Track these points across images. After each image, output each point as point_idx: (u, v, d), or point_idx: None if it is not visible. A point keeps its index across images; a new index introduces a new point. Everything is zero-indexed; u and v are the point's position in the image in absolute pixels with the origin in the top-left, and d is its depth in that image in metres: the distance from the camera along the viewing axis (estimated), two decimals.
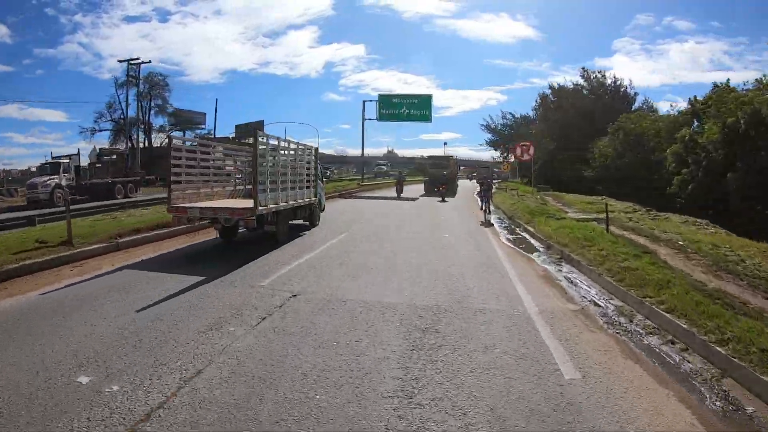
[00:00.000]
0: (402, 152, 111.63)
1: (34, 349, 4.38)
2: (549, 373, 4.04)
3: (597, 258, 8.35)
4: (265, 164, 10.42)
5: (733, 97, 22.01)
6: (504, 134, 68.65)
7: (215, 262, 8.46)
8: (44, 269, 7.78)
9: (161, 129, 55.81)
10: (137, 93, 47.32)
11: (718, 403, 3.71)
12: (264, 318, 5.40)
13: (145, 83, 52.56)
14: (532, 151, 24.61)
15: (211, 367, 4.05)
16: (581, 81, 45.48)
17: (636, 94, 44.19)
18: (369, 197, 28.00)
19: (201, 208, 10.05)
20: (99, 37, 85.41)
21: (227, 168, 13.49)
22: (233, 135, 59.85)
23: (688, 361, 4.48)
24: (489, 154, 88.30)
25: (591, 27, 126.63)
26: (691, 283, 6.92)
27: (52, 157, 32.86)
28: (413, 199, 26.57)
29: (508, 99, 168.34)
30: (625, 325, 5.63)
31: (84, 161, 33.47)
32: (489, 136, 70.05)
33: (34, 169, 34.63)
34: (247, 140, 54.65)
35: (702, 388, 3.94)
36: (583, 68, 45.94)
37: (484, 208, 16.33)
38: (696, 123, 25.51)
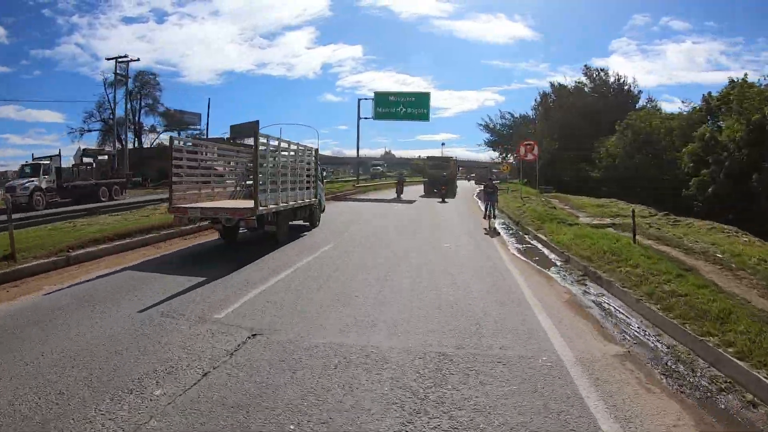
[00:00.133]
0: (399, 153, 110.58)
1: None
2: None
3: (631, 277, 6.92)
4: (265, 165, 10.40)
5: (756, 92, 20.52)
6: (503, 134, 67.42)
7: (178, 280, 7.03)
8: None
9: (152, 129, 54.20)
10: (126, 92, 45.78)
11: None
12: (205, 374, 3.95)
13: (135, 82, 51.22)
14: (536, 150, 23.15)
15: None
16: (584, 79, 44.13)
17: (640, 92, 42.95)
18: (364, 200, 26.47)
19: (202, 208, 10.10)
20: (96, 38, 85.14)
21: (228, 169, 13.43)
22: (226, 135, 58.62)
23: None
24: (487, 155, 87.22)
25: (588, 27, 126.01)
26: (753, 313, 5.52)
27: (33, 159, 31.49)
28: (411, 202, 25.17)
29: (505, 100, 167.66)
30: (687, 376, 4.21)
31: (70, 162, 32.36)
32: (487, 136, 68.84)
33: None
34: (242, 141, 53.71)
35: None
36: (585, 66, 44.82)
37: (488, 213, 14.53)
38: (709, 121, 24.01)
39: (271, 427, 3.16)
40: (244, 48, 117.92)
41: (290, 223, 11.95)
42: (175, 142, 11.25)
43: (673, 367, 4.44)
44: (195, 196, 11.03)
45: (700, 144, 22.10)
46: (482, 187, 46.82)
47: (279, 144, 11.50)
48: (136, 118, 52.48)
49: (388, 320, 5.34)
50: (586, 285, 7.37)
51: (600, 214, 15.85)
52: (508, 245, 10.97)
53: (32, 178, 25.87)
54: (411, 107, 39.27)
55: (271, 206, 10.28)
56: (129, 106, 50.82)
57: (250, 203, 9.86)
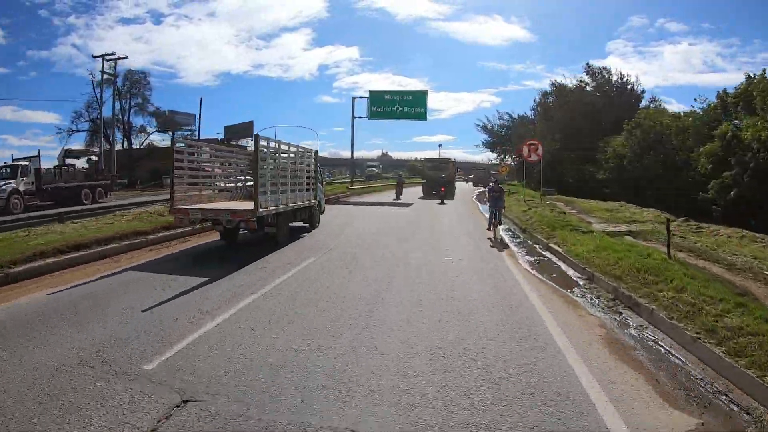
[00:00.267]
0: (396, 155, 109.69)
1: None
2: None
3: (678, 305, 5.57)
4: (265, 167, 10.37)
5: None
6: (501, 135, 66.26)
7: (123, 310, 5.67)
8: None
9: (142, 129, 52.65)
10: (114, 91, 44.13)
11: None
12: None
13: (125, 81, 49.72)
14: (540, 150, 21.79)
15: None
16: (585, 78, 42.74)
17: (643, 91, 41.43)
18: (359, 203, 25.04)
19: (203, 209, 10.13)
20: (93, 39, 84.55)
21: (229, 170, 13.44)
22: (219, 135, 57.15)
23: None
24: (484, 156, 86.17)
25: (585, 29, 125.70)
26: None
27: (13, 160, 30.10)
28: (408, 205, 23.80)
29: (501, 101, 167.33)
30: None
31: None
32: (485, 137, 67.75)
33: None
34: (237, 142, 52.42)
35: None
36: (587, 64, 43.22)
37: (493, 221, 12.44)
38: (726, 119, 22.63)
39: None
40: (240, 49, 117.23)
41: (290, 224, 11.98)
42: (177, 143, 11.20)
43: None
44: (196, 197, 11.11)
45: (720, 143, 20.64)
46: (482, 190, 46.11)
47: (279, 146, 11.49)
48: (126, 118, 50.85)
49: (372, 384, 3.86)
50: (620, 313, 6.02)
51: (613, 220, 14.51)
52: (518, 258, 9.59)
53: (10, 180, 24.58)
54: (407, 106, 37.89)
55: (271, 208, 10.31)
56: (118, 105, 49.33)
57: (250, 204, 9.88)
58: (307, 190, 12.94)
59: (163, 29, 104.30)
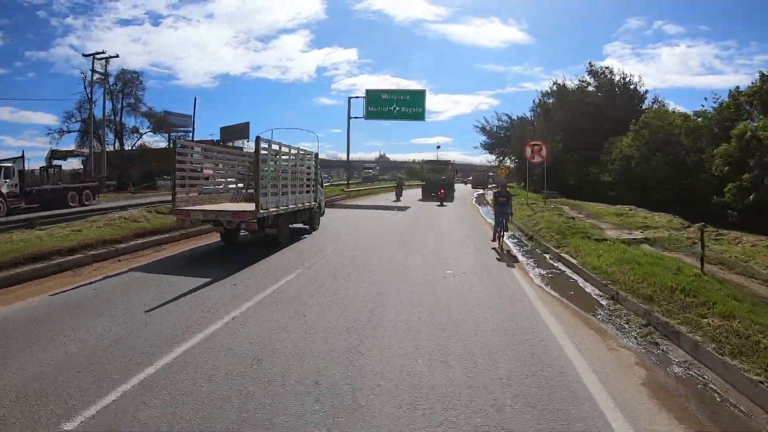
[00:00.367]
0: (393, 156, 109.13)
1: None
2: None
3: (729, 338, 4.60)
4: (266, 169, 10.39)
5: None
6: (499, 136, 65.44)
7: (70, 339, 4.64)
8: None
9: (134, 130, 51.47)
10: (105, 90, 43.07)
11: None
12: None
13: (117, 80, 48.58)
14: (544, 152, 20.76)
15: None
16: (587, 78, 41.80)
17: (646, 91, 40.50)
18: (354, 206, 24.02)
19: (204, 210, 10.20)
20: (91, 40, 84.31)
21: (229, 172, 13.41)
22: (212, 136, 56.09)
23: None
24: (482, 158, 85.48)
25: (582, 31, 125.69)
26: None
27: None
28: (407, 208, 22.80)
29: (499, 104, 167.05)
30: None
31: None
32: (484, 138, 66.93)
33: None
34: (233, 143, 51.37)
35: None
36: (590, 63, 42.29)
37: (501, 230, 10.97)
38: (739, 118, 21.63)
39: None
40: (239, 51, 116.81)
41: (291, 226, 12.02)
42: (179, 145, 11.25)
43: None
44: (197, 198, 11.16)
45: (737, 144, 19.58)
46: (481, 192, 45.11)
47: (280, 148, 11.45)
48: (118, 118, 49.69)
49: None
50: (657, 344, 5.03)
51: (626, 226, 13.53)
52: (527, 271, 8.58)
53: None
54: (405, 106, 36.86)
55: (272, 209, 10.34)
56: (110, 105, 48.19)
57: (251, 206, 9.93)
58: (308, 192, 12.97)
59: (162, 30, 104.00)
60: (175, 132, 55.26)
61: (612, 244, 10.07)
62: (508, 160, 67.42)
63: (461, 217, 19.64)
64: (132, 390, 3.67)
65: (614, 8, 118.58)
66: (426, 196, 30.86)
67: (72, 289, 6.88)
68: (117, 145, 50.68)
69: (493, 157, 69.24)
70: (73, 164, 35.02)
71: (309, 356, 4.39)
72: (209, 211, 10.23)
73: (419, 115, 37.62)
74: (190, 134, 52.40)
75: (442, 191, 28.42)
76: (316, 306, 6.00)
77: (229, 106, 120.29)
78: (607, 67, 41.61)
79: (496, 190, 11.89)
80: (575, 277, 8.08)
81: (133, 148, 51.75)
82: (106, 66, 41.78)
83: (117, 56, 42.37)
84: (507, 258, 9.86)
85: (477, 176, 62.53)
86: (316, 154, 14.22)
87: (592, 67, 41.51)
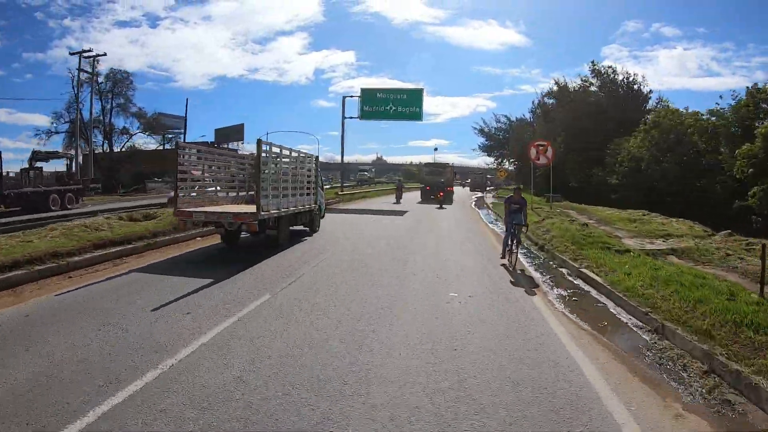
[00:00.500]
0: (391, 159, 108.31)
1: None
2: None
3: None
4: (267, 171, 10.48)
5: None
6: (498, 138, 64.35)
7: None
8: None
9: (124, 131, 49.97)
10: (92, 89, 41.50)
11: None
12: None
13: (107, 80, 47.14)
14: (550, 153, 19.51)
15: None
16: (590, 77, 40.53)
17: (650, 91, 39.20)
18: (348, 211, 22.67)
19: (206, 212, 10.17)
20: (89, 42, 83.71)
21: (231, 175, 13.33)
22: (204, 137, 54.67)
23: None
24: (479, 160, 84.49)
25: (580, 33, 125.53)
26: None
27: None
28: (405, 212, 21.48)
29: (497, 106, 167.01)
30: None
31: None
32: (482, 140, 65.83)
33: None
34: (227, 145, 50.04)
35: None
36: (592, 62, 41.01)
37: (511, 246, 9.11)
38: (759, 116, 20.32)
39: None
40: (236, 53, 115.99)
41: (292, 228, 12.05)
42: (181, 147, 11.25)
43: None
44: (198, 200, 11.16)
45: (763, 144, 18.25)
46: (480, 195, 43.77)
47: (281, 151, 11.45)
48: (107, 119, 48.21)
49: None
50: (730, 403, 3.75)
51: (645, 234, 12.25)
52: (546, 292, 7.24)
53: None
54: (402, 105, 35.43)
55: (273, 211, 10.35)
56: (98, 105, 46.77)
57: (252, 208, 10.01)
58: (308, 194, 12.98)
59: (159, 32, 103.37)
60: (167, 133, 54.07)
61: (637, 257, 8.82)
62: (507, 163, 66.55)
63: (463, 223, 18.41)
64: None
65: (612, 11, 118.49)
66: (425, 199, 30.95)
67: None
68: (106, 146, 49.12)
69: (492, 159, 68.25)
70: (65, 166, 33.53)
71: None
72: (211, 212, 10.15)
73: (416, 115, 36.25)
74: (181, 136, 51.01)
75: (441, 194, 28.71)
76: (298, 327, 4.71)
77: (227, 109, 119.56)
78: (610, 66, 40.38)
79: (508, 196, 9.94)
80: (603, 300, 6.78)
81: (123, 149, 50.24)
82: (92, 64, 40.38)
83: (104, 54, 41.24)
84: (521, 278, 8.19)
85: (475, 179, 61.34)
86: (317, 157, 14.26)
87: (595, 66, 40.30)
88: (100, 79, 45.01)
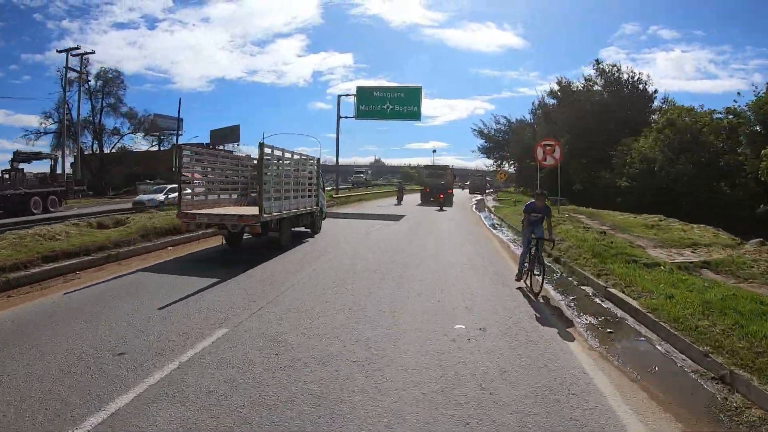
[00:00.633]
0: (389, 161, 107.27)
1: None
2: None
3: None
4: (269, 173, 10.62)
5: None
6: (497, 140, 63.20)
7: None
8: None
9: (115, 131, 48.61)
10: (80, 88, 40.22)
11: None
12: None
13: (97, 79, 45.84)
14: (558, 153, 18.25)
15: None
16: (594, 76, 39.37)
17: (656, 91, 37.99)
18: (342, 215, 21.39)
19: (209, 214, 10.22)
20: (87, 44, 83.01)
21: (233, 177, 13.22)
22: (196, 139, 53.28)
23: None
24: (478, 162, 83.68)
25: (578, 36, 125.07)
26: None
27: None
28: (402, 216, 20.22)
29: (495, 108, 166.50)
30: None
31: None
32: (481, 142, 64.73)
33: None
34: (223, 146, 48.74)
35: None
36: (596, 60, 39.86)
37: (528, 264, 7.40)
38: None
39: None
40: (234, 55, 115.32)
41: (293, 229, 12.04)
42: (184, 150, 11.25)
43: None
44: (201, 202, 11.21)
45: None
46: (480, 198, 42.55)
47: (283, 154, 11.50)
48: (97, 119, 46.87)
49: None
50: None
51: (669, 243, 10.99)
52: (571, 320, 5.98)
53: None
54: (399, 104, 34.08)
55: (275, 213, 10.40)
56: (88, 104, 45.54)
57: (254, 210, 10.07)
58: (309, 196, 13.03)
59: (157, 34, 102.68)
60: (162, 135, 52.76)
61: (670, 273, 7.60)
62: (507, 165, 65.29)
63: (464, 227, 17.21)
64: None
65: (610, 13, 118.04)
66: (425, 201, 30.75)
67: None
68: (96, 147, 47.76)
69: (491, 161, 67.15)
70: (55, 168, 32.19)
71: None
72: (214, 215, 10.16)
73: (415, 115, 34.91)
74: (175, 137, 49.66)
75: (442, 196, 28.80)
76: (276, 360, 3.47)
77: (225, 110, 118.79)
78: (614, 65, 39.21)
79: (529, 203, 7.91)
80: (644, 331, 5.49)
81: (113, 150, 48.88)
82: (81, 63, 39.21)
83: (93, 52, 40.05)
84: (544, 309, 6.47)
85: (474, 181, 60.05)
86: (318, 159, 14.32)
87: (600, 65, 39.13)
88: (90, 78, 43.90)
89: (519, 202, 29.02)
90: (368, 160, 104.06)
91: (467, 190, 58.40)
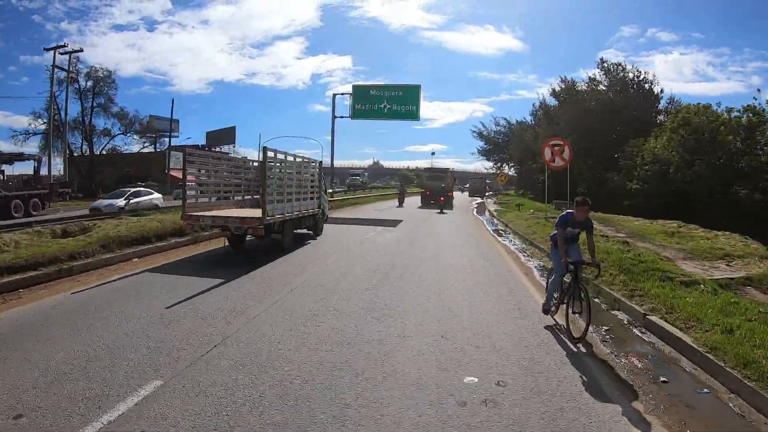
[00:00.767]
0: (387, 163, 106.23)
1: None
2: None
3: None
4: (272, 176, 10.66)
5: None
6: (497, 142, 62.11)
7: None
8: None
9: (105, 132, 47.28)
10: (67, 87, 39.04)
11: None
12: None
13: (88, 79, 44.55)
14: (567, 153, 17.10)
15: None
16: (598, 75, 38.23)
17: (662, 90, 36.81)
18: (337, 221, 20.21)
19: (213, 216, 10.30)
20: (86, 45, 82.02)
21: (235, 180, 13.26)
22: (189, 140, 52.12)
23: None
24: (477, 165, 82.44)
25: (577, 39, 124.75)
26: None
27: None
28: (397, 222, 19.05)
29: (494, 111, 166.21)
30: None
31: None
32: (480, 144, 63.58)
33: None
34: (219, 148, 47.58)
35: None
36: (600, 59, 38.79)
37: (568, 300, 5.57)
38: None
39: None
40: (233, 57, 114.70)
41: (296, 231, 12.11)
42: (188, 152, 11.29)
43: None
44: (205, 204, 11.33)
45: None
46: (480, 201, 41.37)
47: (285, 157, 11.77)
48: (88, 120, 45.54)
49: None
50: None
51: (699, 254, 9.80)
52: (612, 367, 4.69)
53: None
54: (397, 103, 32.77)
55: (278, 216, 10.49)
56: (78, 104, 44.31)
57: (257, 212, 10.17)
58: (311, 198, 13.19)
59: (156, 36, 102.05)
60: (158, 136, 51.62)
61: (714, 295, 6.44)
62: (507, 167, 64.20)
63: (464, 231, 16.17)
64: None
65: (608, 16, 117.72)
66: (425, 204, 30.70)
67: None
68: (85, 148, 46.40)
69: (491, 163, 66.04)
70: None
71: None
72: (218, 217, 10.24)
73: (413, 114, 33.62)
74: (172, 139, 48.41)
75: (442, 198, 29.15)
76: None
77: (224, 113, 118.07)
78: (619, 64, 38.04)
79: (565, 212, 6.13)
80: (704, 378, 4.32)
81: (103, 152, 47.56)
82: (69, 61, 37.98)
83: (81, 50, 38.61)
84: (588, 361, 4.73)
85: (474, 184, 59.01)
86: (320, 162, 14.59)
87: (604, 63, 37.98)
88: (80, 78, 42.70)
89: (521, 205, 28.03)
90: (367, 162, 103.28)
91: (467, 193, 57.44)
